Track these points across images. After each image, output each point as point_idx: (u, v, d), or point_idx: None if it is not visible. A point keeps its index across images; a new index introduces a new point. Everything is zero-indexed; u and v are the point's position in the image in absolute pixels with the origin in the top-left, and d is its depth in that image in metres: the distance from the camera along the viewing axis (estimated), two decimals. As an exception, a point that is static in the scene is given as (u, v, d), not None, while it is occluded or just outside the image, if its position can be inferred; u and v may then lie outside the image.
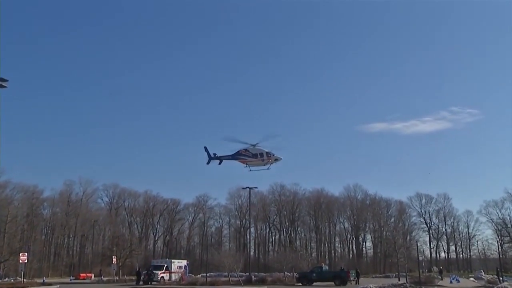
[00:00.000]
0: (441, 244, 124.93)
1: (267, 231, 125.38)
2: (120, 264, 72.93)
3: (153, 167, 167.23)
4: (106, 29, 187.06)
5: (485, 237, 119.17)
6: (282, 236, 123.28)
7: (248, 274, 64.08)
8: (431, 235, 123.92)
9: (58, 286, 51.97)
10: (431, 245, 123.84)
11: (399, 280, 53.93)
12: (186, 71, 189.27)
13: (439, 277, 63.31)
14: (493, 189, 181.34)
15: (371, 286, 42.94)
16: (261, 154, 47.59)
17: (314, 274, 52.29)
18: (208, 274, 57.38)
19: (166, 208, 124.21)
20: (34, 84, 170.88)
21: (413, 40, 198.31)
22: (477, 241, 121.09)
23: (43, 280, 63.31)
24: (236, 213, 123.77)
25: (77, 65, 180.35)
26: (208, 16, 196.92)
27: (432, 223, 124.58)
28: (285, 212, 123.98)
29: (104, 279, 72.21)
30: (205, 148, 49.56)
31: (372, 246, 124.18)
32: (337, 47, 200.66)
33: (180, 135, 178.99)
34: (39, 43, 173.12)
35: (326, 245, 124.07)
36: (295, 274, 56.44)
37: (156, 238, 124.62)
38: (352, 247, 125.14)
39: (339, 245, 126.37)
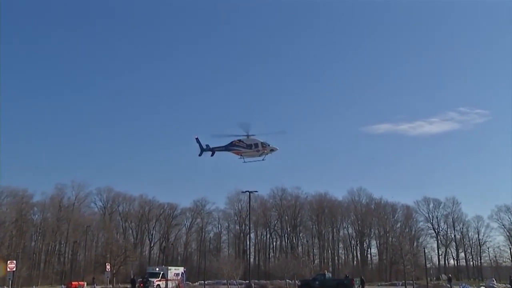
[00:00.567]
0: (450, 251, 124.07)
1: (268, 236, 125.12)
2: (114, 272, 72.67)
3: (149, 170, 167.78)
4: (105, 29, 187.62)
5: (497, 243, 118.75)
6: (283, 242, 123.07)
7: (248, 281, 63.60)
8: (439, 241, 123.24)
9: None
10: (440, 251, 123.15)
11: (406, 288, 53.34)
12: (184, 71, 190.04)
13: (448, 285, 62.93)
14: (504, 193, 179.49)
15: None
16: (256, 145, 47.12)
17: (317, 282, 51.92)
18: (206, 282, 57.26)
19: (162, 213, 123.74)
20: (24, 84, 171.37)
21: (419, 39, 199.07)
22: (488, 248, 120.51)
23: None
24: (236, 218, 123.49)
25: (73, 65, 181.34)
26: (208, 16, 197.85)
27: (440, 229, 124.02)
28: (286, 217, 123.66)
29: (97, 287, 71.62)
30: (197, 139, 49.17)
31: (377, 252, 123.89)
32: (339, 46, 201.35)
33: (177, 137, 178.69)
34: (38, 43, 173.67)
35: (329, 251, 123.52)
36: (297, 282, 56.16)
37: (152, 244, 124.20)
38: (356, 253, 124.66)
39: (343, 252, 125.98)
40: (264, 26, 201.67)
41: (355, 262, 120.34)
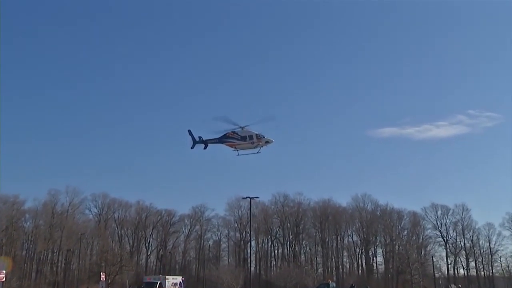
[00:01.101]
0: (459, 260, 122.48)
1: (269, 244, 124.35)
2: (109, 281, 71.90)
3: (146, 175, 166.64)
4: (105, 30, 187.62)
5: (509, 252, 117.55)
6: (285, 250, 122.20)
7: (248, 292, 62.69)
8: (448, 250, 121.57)
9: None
10: (449, 260, 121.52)
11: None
12: (183, 72, 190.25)
13: (458, 296, 61.77)
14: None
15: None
16: (251, 137, 46.86)
17: (320, 292, 50.98)
18: (205, 292, 56.16)
19: (159, 219, 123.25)
20: (15, 87, 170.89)
21: (426, 38, 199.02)
22: (500, 257, 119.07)
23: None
24: (236, 225, 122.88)
25: (66, 68, 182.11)
26: (208, 18, 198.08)
27: (449, 237, 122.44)
28: (288, 224, 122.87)
29: (91, 297, 70.71)
30: (189, 131, 48.90)
31: (383, 261, 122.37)
32: (342, 46, 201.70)
33: (175, 141, 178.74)
34: (32, 45, 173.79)
35: (333, 260, 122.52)
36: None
37: (149, 253, 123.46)
38: (361, 262, 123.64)
39: (348, 260, 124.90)
40: (265, 26, 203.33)
41: (360, 271, 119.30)
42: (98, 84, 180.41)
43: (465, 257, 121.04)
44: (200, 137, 48.59)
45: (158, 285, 56.41)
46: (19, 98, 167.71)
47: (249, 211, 77.49)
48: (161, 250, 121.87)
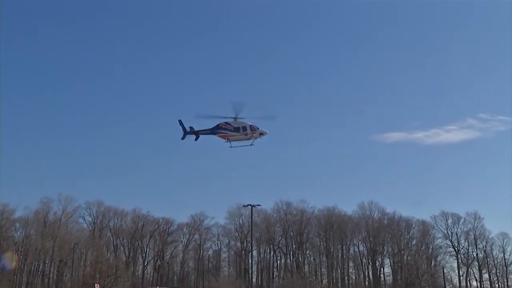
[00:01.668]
0: (472, 271, 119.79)
1: (272, 254, 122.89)
2: (103, 293, 69.78)
3: (143, 182, 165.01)
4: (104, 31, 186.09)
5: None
6: (288, 260, 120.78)
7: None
8: (459, 261, 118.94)
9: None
10: (460, 272, 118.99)
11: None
12: (182, 74, 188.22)
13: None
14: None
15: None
16: (244, 128, 46.64)
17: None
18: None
19: (157, 228, 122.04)
20: (4, 91, 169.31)
21: (435, 40, 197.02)
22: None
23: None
24: (237, 234, 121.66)
25: (59, 72, 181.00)
26: (208, 18, 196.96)
27: (461, 247, 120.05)
28: (291, 233, 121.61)
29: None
30: (180, 121, 48.47)
31: (391, 272, 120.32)
32: (346, 48, 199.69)
33: (174, 146, 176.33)
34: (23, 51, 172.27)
35: (339, 270, 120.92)
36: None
37: (146, 263, 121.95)
38: (368, 273, 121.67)
39: (354, 271, 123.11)
40: (267, 26, 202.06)
41: (366, 283, 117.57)
42: (93, 86, 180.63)
43: (478, 268, 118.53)
44: (191, 127, 48.07)
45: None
46: (12, 100, 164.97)
47: (250, 220, 77.96)
48: (159, 260, 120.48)
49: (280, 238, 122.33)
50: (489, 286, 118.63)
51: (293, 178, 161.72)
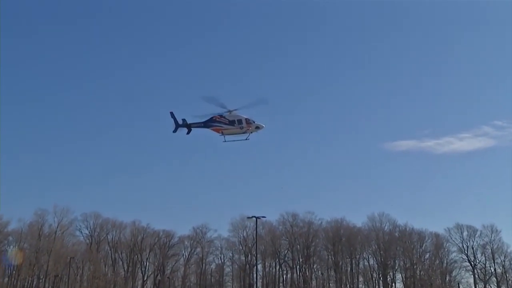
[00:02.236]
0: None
1: (277, 268, 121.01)
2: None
3: (142, 193, 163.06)
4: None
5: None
6: (295, 275, 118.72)
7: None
8: (476, 276, 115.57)
9: None
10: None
11: None
12: (184, 79, 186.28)
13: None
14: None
15: None
16: (239, 121, 46.21)
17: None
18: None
19: (157, 241, 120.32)
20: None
21: (448, 45, 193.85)
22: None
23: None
24: (241, 247, 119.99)
25: (53, 79, 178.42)
26: (208, 18, 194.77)
27: (477, 261, 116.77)
28: (298, 246, 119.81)
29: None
30: (172, 113, 48.14)
31: (403, 287, 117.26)
32: (355, 53, 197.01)
33: (174, 156, 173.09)
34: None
35: (348, 285, 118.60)
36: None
37: (145, 278, 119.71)
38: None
39: (363, 286, 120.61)
40: (272, 30, 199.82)
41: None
42: (89, 93, 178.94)
43: (496, 284, 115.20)
44: (183, 120, 47.58)
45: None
46: (6, 110, 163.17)
47: (255, 232, 75.26)
48: (159, 275, 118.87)
49: (286, 252, 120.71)
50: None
51: (300, 188, 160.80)
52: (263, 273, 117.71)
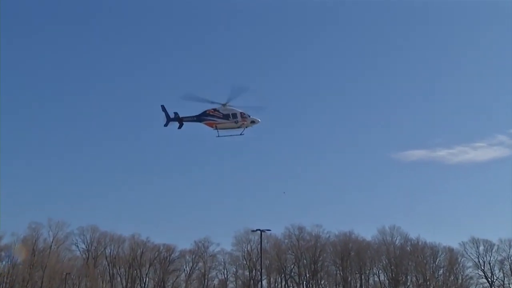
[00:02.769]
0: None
1: (283, 284, 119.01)
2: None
3: (142, 205, 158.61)
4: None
5: None
6: None
7: None
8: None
9: None
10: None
11: None
12: (185, 84, 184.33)
13: None
14: None
15: None
16: (234, 115, 45.97)
17: None
18: None
19: (157, 256, 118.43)
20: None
21: (461, 49, 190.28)
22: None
23: None
24: (244, 262, 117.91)
25: (47, 86, 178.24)
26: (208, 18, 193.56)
27: (495, 278, 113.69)
28: (305, 261, 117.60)
29: None
30: (163, 107, 48.17)
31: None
32: (362, 59, 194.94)
33: (174, 167, 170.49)
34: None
35: None
36: None
37: None
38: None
39: None
40: (283, 38, 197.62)
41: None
42: (82, 103, 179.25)
43: None
44: (175, 113, 47.36)
45: None
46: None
47: (259, 246, 75.73)
48: None
49: (292, 266, 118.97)
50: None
51: (306, 200, 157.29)
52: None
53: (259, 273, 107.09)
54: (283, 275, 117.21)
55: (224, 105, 45.98)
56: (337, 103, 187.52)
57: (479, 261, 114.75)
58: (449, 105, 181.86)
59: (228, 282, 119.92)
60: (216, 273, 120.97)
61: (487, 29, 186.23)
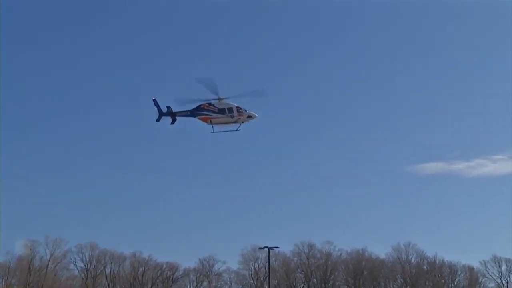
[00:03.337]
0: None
1: None
2: None
3: (143, 222, 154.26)
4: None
5: None
6: None
7: None
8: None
9: None
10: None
11: None
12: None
13: None
14: None
15: None
16: (230, 109, 45.07)
17: None
18: None
19: (160, 275, 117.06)
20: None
21: (480, 58, 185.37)
22: None
23: None
24: (252, 281, 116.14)
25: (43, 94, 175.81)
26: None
27: None
28: (315, 280, 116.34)
29: None
30: (155, 101, 47.35)
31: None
32: (377, 69, 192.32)
33: (177, 181, 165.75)
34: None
35: None
36: None
37: None
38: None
39: None
40: (293, 47, 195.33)
41: None
42: (79, 118, 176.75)
43: None
44: (168, 107, 46.53)
45: None
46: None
47: (267, 264, 74.09)
48: None
49: (302, 286, 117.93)
50: None
51: (316, 217, 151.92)
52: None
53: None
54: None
55: (220, 99, 45.05)
56: (347, 115, 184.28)
57: (501, 282, 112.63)
58: (467, 116, 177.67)
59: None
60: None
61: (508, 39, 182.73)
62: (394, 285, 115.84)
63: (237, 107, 45.15)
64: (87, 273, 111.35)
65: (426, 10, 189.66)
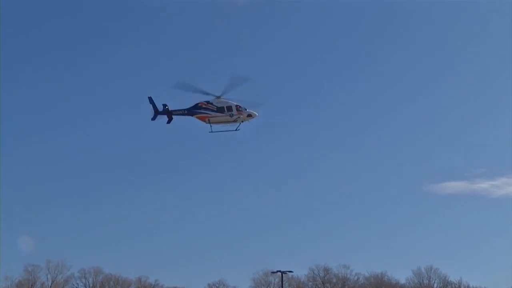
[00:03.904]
0: None
1: None
2: None
3: (149, 245, 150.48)
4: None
5: None
6: None
7: None
8: None
9: None
10: None
11: None
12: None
13: None
14: None
15: None
16: (229, 108, 44.90)
17: None
18: None
19: None
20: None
21: (503, 68, 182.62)
22: None
23: None
24: None
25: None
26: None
27: None
28: None
29: None
30: (150, 99, 47.01)
31: None
32: (392, 84, 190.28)
33: (184, 201, 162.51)
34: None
35: None
36: None
37: None
38: None
39: None
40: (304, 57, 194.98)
41: None
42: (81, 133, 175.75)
43: None
44: (165, 106, 46.31)
45: None
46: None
47: None
48: None
49: None
50: None
51: (332, 239, 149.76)
52: None
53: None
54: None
55: (218, 97, 45.04)
56: (366, 133, 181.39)
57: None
58: (492, 132, 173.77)
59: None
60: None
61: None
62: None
63: (236, 105, 44.96)
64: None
65: (452, 23, 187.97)
